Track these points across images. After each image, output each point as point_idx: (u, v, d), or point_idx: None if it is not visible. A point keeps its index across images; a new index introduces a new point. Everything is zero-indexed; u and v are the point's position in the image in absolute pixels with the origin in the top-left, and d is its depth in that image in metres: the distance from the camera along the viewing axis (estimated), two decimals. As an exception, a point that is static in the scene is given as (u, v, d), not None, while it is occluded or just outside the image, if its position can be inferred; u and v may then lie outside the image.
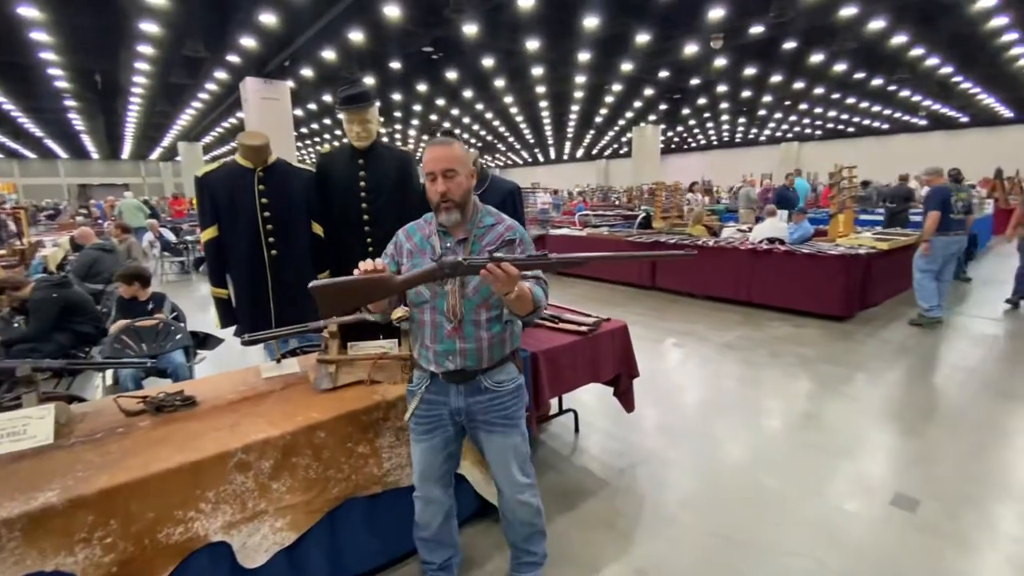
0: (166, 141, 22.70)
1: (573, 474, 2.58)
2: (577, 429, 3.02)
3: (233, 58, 10.62)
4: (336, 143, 24.48)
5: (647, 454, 2.79)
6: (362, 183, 2.09)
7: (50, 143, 23.39)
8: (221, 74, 11.86)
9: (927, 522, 2.16)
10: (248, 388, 1.92)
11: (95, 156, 28.15)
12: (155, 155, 28.38)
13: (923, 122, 22.72)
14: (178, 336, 3.06)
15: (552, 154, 34.36)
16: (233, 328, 2.12)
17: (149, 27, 8.70)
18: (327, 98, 14.98)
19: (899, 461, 2.67)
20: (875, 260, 5.47)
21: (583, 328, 2.51)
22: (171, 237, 9.81)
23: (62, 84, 12.53)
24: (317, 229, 2.06)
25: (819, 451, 2.78)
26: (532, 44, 10.47)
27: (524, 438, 1.62)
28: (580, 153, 33.81)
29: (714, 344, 4.64)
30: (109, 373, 2.93)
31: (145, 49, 9.92)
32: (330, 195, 2.11)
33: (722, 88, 15.61)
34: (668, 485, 2.51)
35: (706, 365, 4.17)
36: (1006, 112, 20.12)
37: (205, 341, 3.45)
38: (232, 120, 17.30)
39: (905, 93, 16.62)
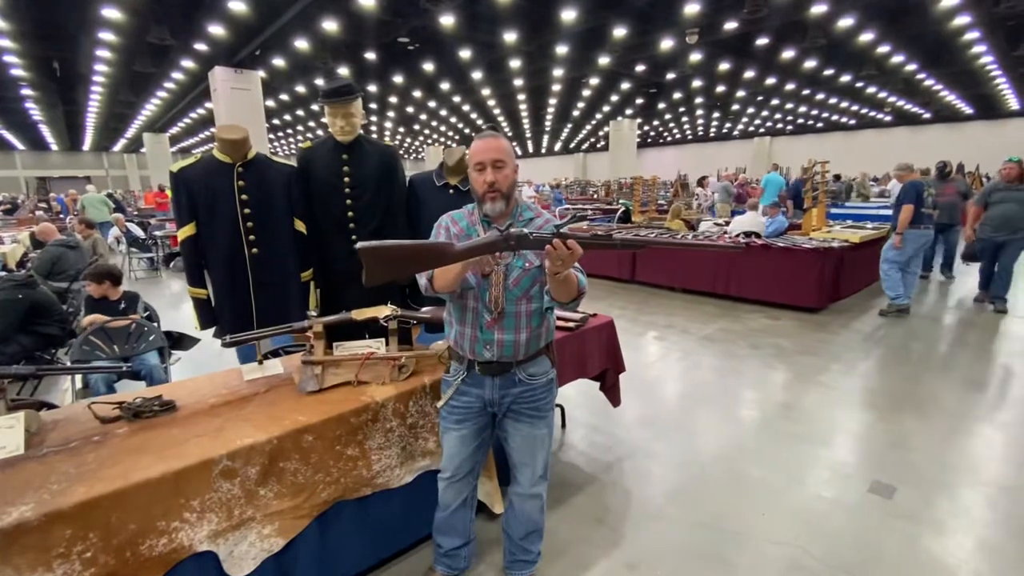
0: (130, 132, 21.80)
1: (560, 469, 2.60)
2: (564, 424, 3.04)
3: (201, 46, 10.24)
4: (310, 135, 23.97)
5: (632, 448, 2.83)
6: (346, 179, 2.04)
7: (6, 134, 22.22)
8: (188, 63, 11.43)
9: (903, 508, 2.24)
10: (230, 391, 1.86)
11: (54, 147, 26.86)
12: (119, 146, 27.25)
13: (888, 118, 23.49)
14: (152, 337, 2.94)
15: (530, 148, 34.32)
16: (212, 329, 2.05)
17: (111, 13, 8.31)
18: (300, 88, 14.60)
19: (875, 449, 2.77)
20: (847, 253, 5.63)
21: (570, 324, 2.51)
22: (139, 232, 9.44)
23: (18, 72, 11.90)
24: (300, 226, 2.00)
25: (799, 440, 2.86)
26: (510, 36, 10.40)
27: (550, 431, 1.65)
28: (558, 147, 33.86)
29: (695, 337, 4.72)
30: (79, 376, 2.81)
31: (107, 36, 9.48)
32: (312, 191, 2.05)
33: (697, 83, 15.81)
34: (654, 478, 2.55)
35: (688, 358, 4.24)
36: (967, 109, 20.94)
37: (180, 341, 3.34)
38: (200, 111, 16.73)
39: (871, 90, 17.14)
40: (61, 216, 13.80)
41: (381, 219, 2.13)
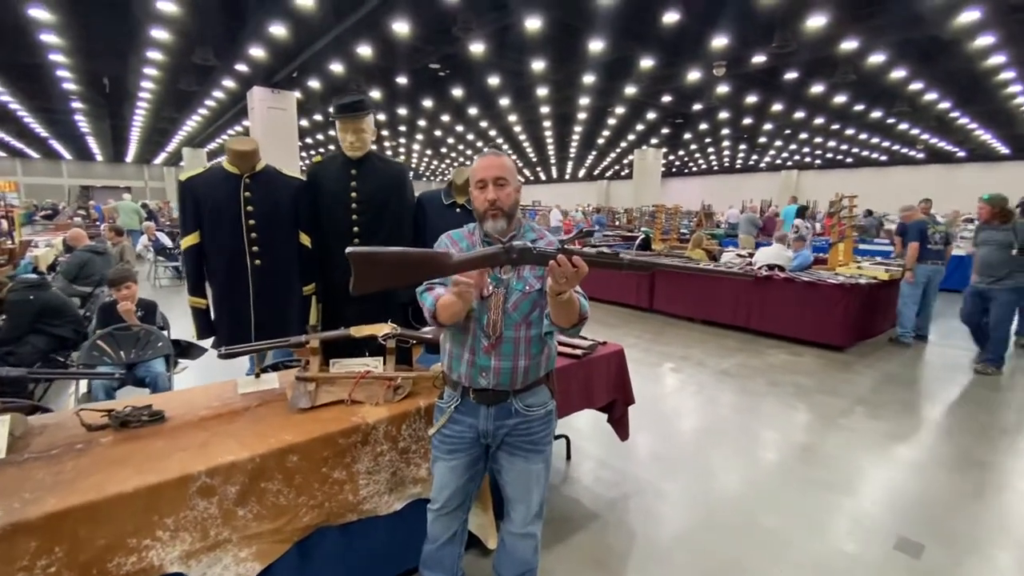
0: (171, 146, 22.80)
1: (563, 504, 2.47)
2: (569, 456, 2.91)
3: (242, 67, 10.70)
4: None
5: (640, 485, 2.68)
6: (353, 194, 2.03)
7: (55, 143, 23.46)
8: (229, 82, 11.94)
9: (932, 569, 2.05)
10: (222, 404, 1.82)
11: (99, 158, 28.23)
12: (159, 159, 28.49)
13: (920, 155, 22.99)
14: (159, 344, 2.96)
15: (554, 173, 34.61)
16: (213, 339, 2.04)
17: (160, 34, 8.77)
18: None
19: (900, 501, 2.57)
20: (875, 290, 5.41)
21: (577, 351, 2.42)
22: (167, 241, 9.73)
23: (70, 86, 12.60)
24: (304, 240, 1.99)
25: (818, 487, 2.68)
26: (538, 65, 10.58)
27: (547, 467, 1.55)
28: (582, 173, 34.06)
29: (712, 371, 4.55)
30: (84, 381, 2.82)
31: (155, 55, 10.00)
32: (320, 205, 2.04)
33: (723, 115, 15.77)
34: (662, 519, 2.40)
35: (703, 392, 4.07)
36: (1002, 148, 20.37)
37: (188, 350, 3.35)
38: (237, 128, 17.38)
39: (904, 126, 16.83)
40: (97, 223, 14.35)
41: (387, 236, 2.11)
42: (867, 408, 3.74)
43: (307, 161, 28.95)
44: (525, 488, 1.51)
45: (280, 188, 1.92)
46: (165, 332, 3.22)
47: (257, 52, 9.63)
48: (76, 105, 15.05)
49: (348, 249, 1.16)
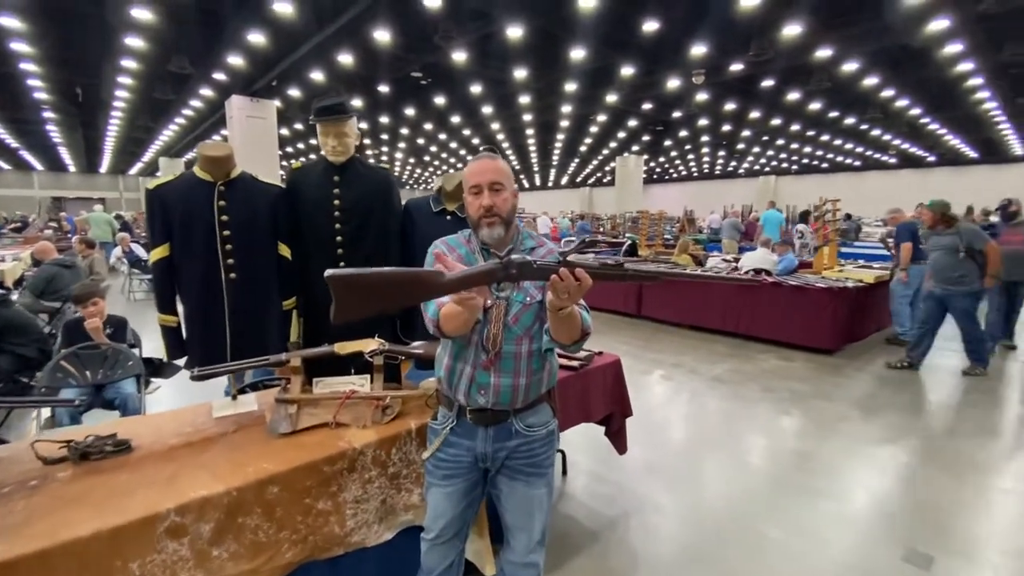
0: (147, 156, 22.28)
1: (560, 524, 2.36)
2: (564, 471, 2.81)
3: (219, 76, 10.49)
4: (321, 164, 24.31)
5: (639, 501, 2.59)
6: (336, 202, 1.91)
7: (26, 154, 22.73)
8: (206, 91, 11.70)
9: (943, 582, 1.99)
10: (195, 430, 1.68)
11: (72, 169, 27.44)
12: (135, 170, 27.80)
13: (893, 160, 23.63)
14: (129, 363, 2.78)
15: (537, 180, 34.74)
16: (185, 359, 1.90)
17: (135, 42, 8.54)
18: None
19: (905, 510, 2.52)
20: (862, 293, 5.45)
21: (574, 362, 2.33)
22: (142, 253, 9.41)
23: (42, 96, 12.21)
24: (284, 251, 1.87)
25: (820, 497, 2.62)
26: (520, 73, 10.59)
27: (550, 491, 1.44)
28: (564, 180, 34.25)
29: (704, 377, 4.50)
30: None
31: (129, 64, 9.73)
32: (300, 214, 1.92)
33: (703, 122, 16.00)
34: (663, 537, 2.31)
35: (697, 400, 4.01)
36: (971, 153, 21.05)
37: (161, 369, 3.17)
38: (216, 137, 17.05)
39: (876, 132, 17.28)
40: (68, 236, 13.87)
41: (372, 246, 1.99)
42: (863, 413, 3.72)
43: (286, 171, 28.56)
44: (527, 515, 1.40)
45: (257, 196, 1.80)
46: (136, 350, 3.04)
47: (235, 60, 9.44)
48: (48, 115, 14.60)
49: (327, 273, 1.04)
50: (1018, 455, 3.10)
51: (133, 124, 15.39)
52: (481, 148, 1.43)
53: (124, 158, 23.51)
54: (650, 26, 8.12)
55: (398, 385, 1.95)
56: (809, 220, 10.64)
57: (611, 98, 12.39)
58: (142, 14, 7.45)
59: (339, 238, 1.94)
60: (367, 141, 19.47)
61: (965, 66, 10.02)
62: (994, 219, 6.09)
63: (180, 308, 1.77)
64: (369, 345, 1.79)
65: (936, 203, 4.55)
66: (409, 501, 1.70)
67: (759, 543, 2.25)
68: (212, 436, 1.64)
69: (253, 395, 1.98)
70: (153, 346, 3.48)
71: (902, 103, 13.11)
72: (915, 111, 14.06)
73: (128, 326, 3.21)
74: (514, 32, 8.16)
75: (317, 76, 10.41)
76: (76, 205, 25.94)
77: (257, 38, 8.43)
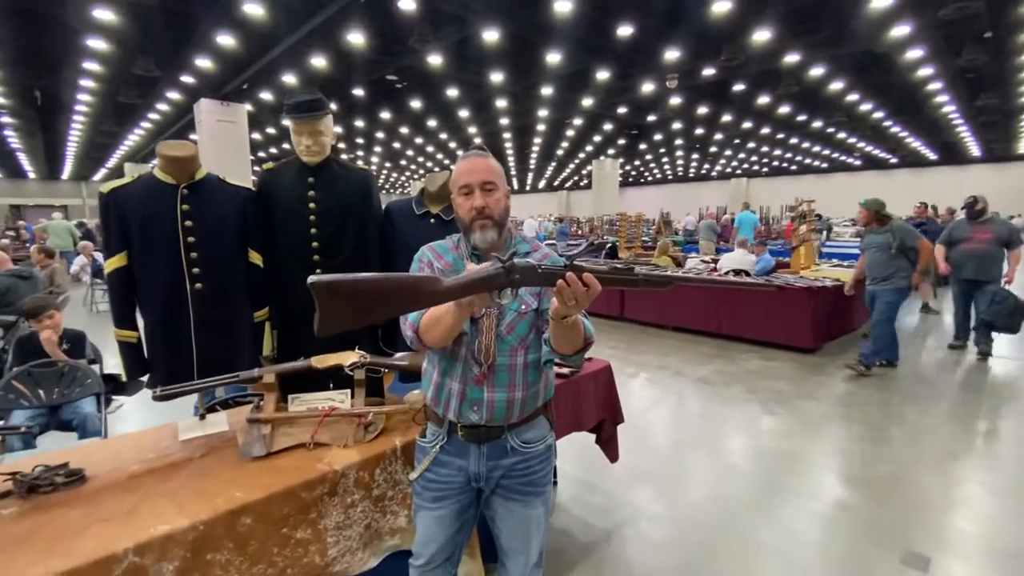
0: (112, 162, 21.43)
1: (554, 538, 2.27)
2: (555, 481, 2.72)
3: (188, 79, 10.15)
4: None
5: (632, 510, 2.52)
6: (311, 204, 1.79)
7: (-19, 162, 21.65)
8: (174, 94, 11.32)
9: (941, 583, 1.98)
10: (158, 455, 1.54)
11: (32, 176, 26.23)
12: (99, 176, 26.72)
13: (858, 162, 24.46)
14: (88, 381, 2.59)
15: (515, 184, 34.78)
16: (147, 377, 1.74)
17: (97, 44, 8.17)
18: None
19: (898, 510, 2.51)
20: (839, 292, 5.53)
21: (564, 369, 2.25)
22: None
23: (-2, 100, 11.62)
24: (255, 258, 1.74)
25: (812, 499, 2.60)
26: (496, 77, 10.55)
27: (547, 509, 1.35)
28: (542, 184, 34.39)
29: (690, 379, 4.48)
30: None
31: (91, 66, 9.33)
32: (273, 218, 1.80)
33: (677, 125, 16.25)
34: (659, 549, 2.24)
35: (684, 403, 3.99)
36: (931, 155, 21.92)
37: (124, 386, 2.96)
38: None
39: (842, 135, 17.84)
40: (27, 245, 13.20)
41: (351, 252, 1.88)
42: (848, 411, 3.74)
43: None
44: (524, 536, 1.31)
45: (225, 199, 1.66)
46: (97, 366, 2.84)
47: (204, 63, 9.15)
48: (5, 120, 13.90)
49: (311, 279, 0.93)
50: (1007, 452, 3.14)
51: (96, 129, 14.78)
52: (473, 146, 1.33)
53: (87, 164, 22.57)
54: (625, 31, 8.18)
55: (381, 399, 1.84)
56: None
57: (587, 102, 12.46)
58: (104, 14, 7.13)
59: (315, 244, 1.82)
60: (341, 145, 19.15)
61: (925, 71, 10.40)
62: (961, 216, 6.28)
63: (141, 322, 1.62)
64: (349, 358, 1.67)
65: (870, 202, 4.55)
66: (395, 524, 1.58)
67: (755, 551, 2.20)
68: (177, 462, 1.51)
69: (223, 414, 1.84)
70: (116, 361, 3.26)
71: (866, 107, 13.55)
72: (878, 115, 14.55)
73: (87, 340, 3.01)
74: (490, 36, 8.11)
75: (289, 79, 10.16)
76: (36, 213, 24.74)
77: (227, 40, 8.17)
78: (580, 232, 18.19)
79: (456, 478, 1.28)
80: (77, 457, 1.52)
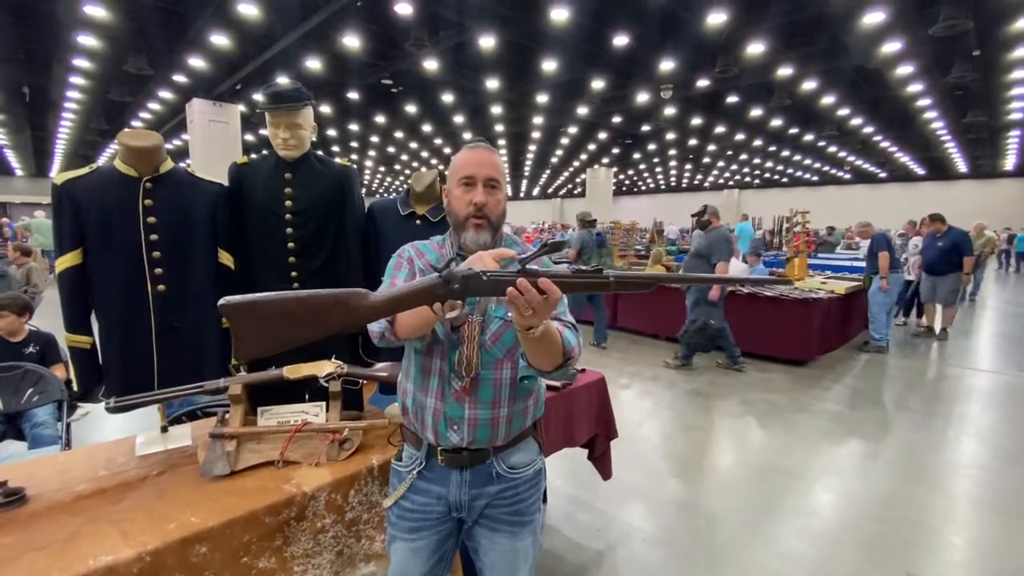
0: (101, 160, 21.12)
1: (544, 562, 2.15)
2: (545, 499, 2.60)
3: (180, 78, 10.01)
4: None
5: (626, 530, 2.40)
6: (288, 203, 1.67)
7: (-33, 159, 21.25)
8: (166, 93, 11.16)
9: (949, 612, 1.88)
10: (111, 473, 1.40)
11: (19, 173, 25.80)
12: (87, 176, 26.29)
13: (848, 176, 24.74)
14: (48, 387, 2.44)
15: (509, 191, 34.71)
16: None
17: (88, 40, 8.01)
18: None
19: (900, 532, 2.42)
20: (834, 304, 5.49)
21: (556, 383, 2.14)
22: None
23: (-16, 95, 11.38)
24: (225, 259, 1.61)
25: (812, 519, 2.50)
26: (492, 83, 10.51)
27: (536, 539, 1.21)
28: (536, 191, 34.43)
29: (683, 391, 4.38)
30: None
31: (82, 63, 9.16)
32: (246, 216, 1.68)
33: (670, 136, 16.33)
34: (655, 573, 2.12)
35: (679, 417, 3.88)
36: (919, 170, 22.23)
37: (89, 393, 2.81)
38: (176, 142, 16.31)
39: (833, 148, 18.03)
40: (10, 242, 12.89)
41: (330, 253, 1.76)
42: (844, 426, 3.66)
43: (251, 179, 27.59)
44: (511, 571, 1.18)
45: (193, 194, 1.54)
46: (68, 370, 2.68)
47: (197, 62, 9.02)
48: (-8, 116, 13.64)
49: (221, 301, 0.84)
50: (1004, 468, 3.07)
51: (86, 127, 14.53)
52: (477, 138, 1.22)
53: (77, 162, 22.20)
54: (620, 41, 8.18)
55: (359, 413, 1.71)
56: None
57: (582, 111, 12.46)
58: (96, 11, 6.99)
59: (291, 244, 1.70)
60: (335, 148, 19.02)
61: (915, 87, 10.51)
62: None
63: (96, 326, 1.49)
64: (324, 368, 1.55)
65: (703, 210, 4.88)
66: (371, 550, 1.45)
67: (756, 573, 2.09)
68: (131, 481, 1.37)
69: (188, 427, 1.70)
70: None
71: (857, 121, 13.70)
72: (868, 129, 14.72)
73: (58, 344, 2.86)
74: (486, 42, 8.06)
75: (284, 81, 10.03)
76: (24, 211, 24.30)
77: (221, 40, 8.06)
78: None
79: (435, 507, 1.15)
80: (20, 474, 1.38)
